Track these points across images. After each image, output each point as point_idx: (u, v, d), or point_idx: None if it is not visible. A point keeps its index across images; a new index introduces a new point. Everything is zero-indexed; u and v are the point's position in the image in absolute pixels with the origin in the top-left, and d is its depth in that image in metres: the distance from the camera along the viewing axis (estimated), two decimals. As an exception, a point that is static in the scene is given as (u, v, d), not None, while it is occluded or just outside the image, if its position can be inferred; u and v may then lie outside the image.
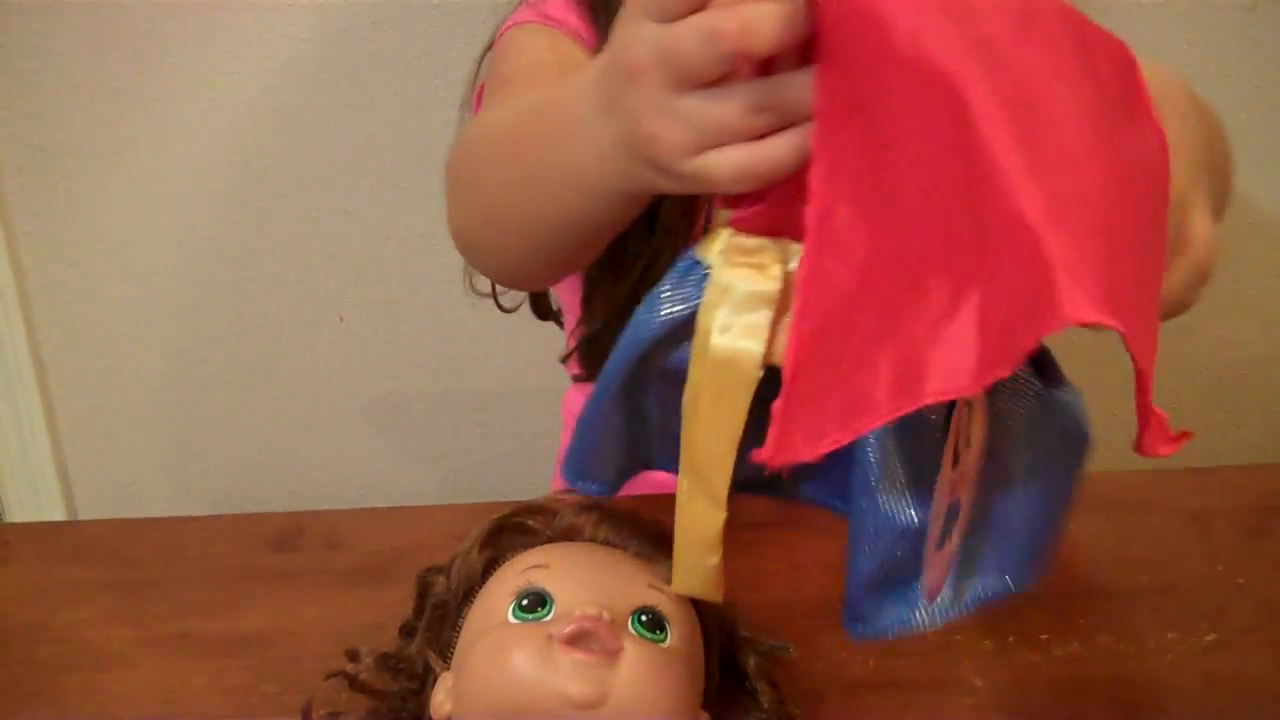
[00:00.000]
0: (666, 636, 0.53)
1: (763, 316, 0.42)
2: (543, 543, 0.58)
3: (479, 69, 0.84)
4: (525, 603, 0.53)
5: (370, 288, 1.20)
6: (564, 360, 0.88)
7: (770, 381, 0.41)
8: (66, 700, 0.64)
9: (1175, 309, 0.45)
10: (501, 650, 0.51)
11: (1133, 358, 0.36)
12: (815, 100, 0.40)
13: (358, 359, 1.24)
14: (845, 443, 0.38)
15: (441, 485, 1.30)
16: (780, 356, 0.41)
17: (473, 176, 0.61)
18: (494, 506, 0.62)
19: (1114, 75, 0.40)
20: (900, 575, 0.48)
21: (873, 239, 0.39)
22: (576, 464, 0.52)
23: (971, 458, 0.44)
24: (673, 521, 0.47)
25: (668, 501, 0.48)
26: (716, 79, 0.41)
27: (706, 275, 0.44)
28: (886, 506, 0.47)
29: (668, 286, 0.45)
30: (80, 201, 1.16)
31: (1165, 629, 0.68)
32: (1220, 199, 0.56)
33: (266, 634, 0.69)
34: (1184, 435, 0.39)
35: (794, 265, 0.42)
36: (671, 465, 0.47)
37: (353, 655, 0.62)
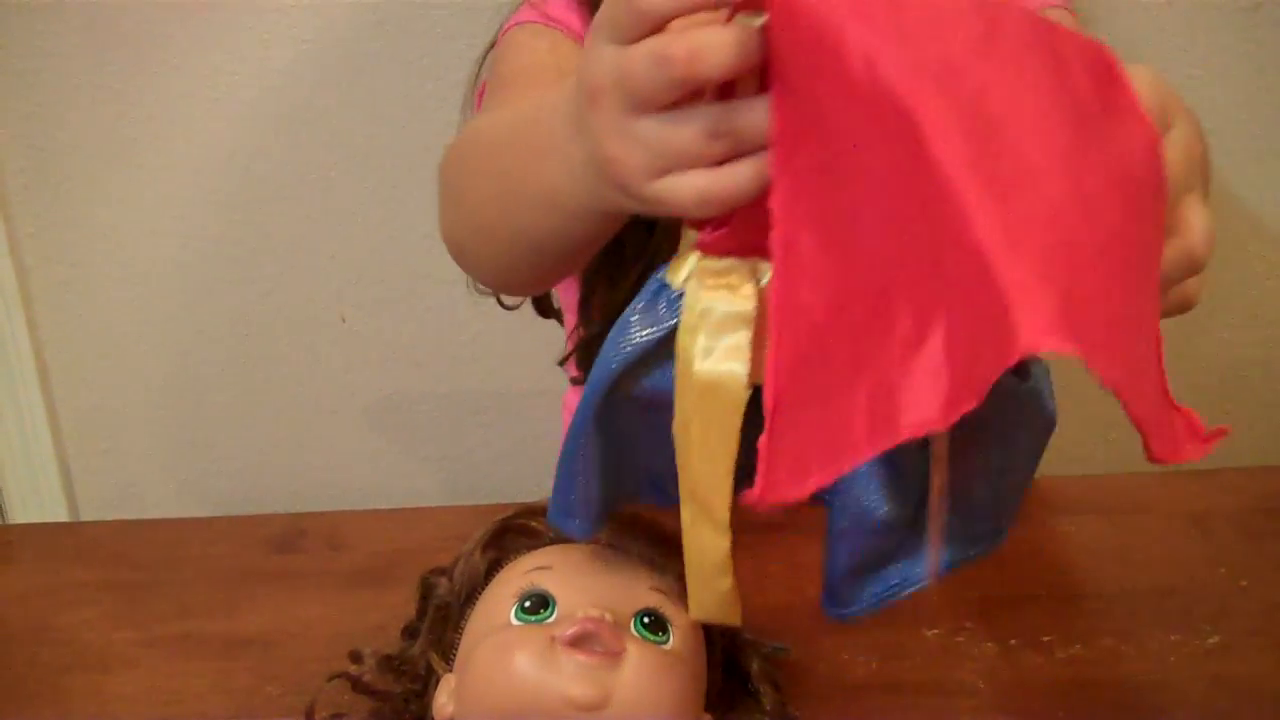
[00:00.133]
0: (669, 638, 0.53)
1: (742, 337, 0.42)
2: (546, 544, 0.58)
3: (480, 69, 0.84)
4: (528, 604, 0.53)
5: (373, 288, 1.20)
6: (562, 363, 0.88)
7: (760, 397, 0.41)
8: (69, 701, 0.65)
9: (1172, 300, 0.44)
10: (504, 652, 0.51)
11: (1099, 377, 0.35)
12: (772, 126, 0.40)
13: (360, 360, 1.23)
14: (829, 483, 0.38)
15: (444, 486, 1.30)
16: (764, 375, 0.41)
17: (460, 186, 0.61)
18: (497, 508, 0.62)
19: (1091, 81, 0.39)
20: (875, 563, 0.49)
21: (839, 266, 0.39)
22: (561, 502, 0.52)
23: (941, 443, 0.44)
24: (674, 523, 0.47)
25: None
26: (676, 102, 0.41)
27: (677, 299, 0.44)
28: (862, 498, 0.48)
29: (636, 313, 0.45)
30: (82, 202, 1.16)
31: (1168, 631, 0.67)
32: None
33: (269, 635, 0.69)
34: (1219, 433, 0.39)
35: (765, 281, 0.42)
36: (653, 496, 0.47)
37: (355, 657, 0.62)
